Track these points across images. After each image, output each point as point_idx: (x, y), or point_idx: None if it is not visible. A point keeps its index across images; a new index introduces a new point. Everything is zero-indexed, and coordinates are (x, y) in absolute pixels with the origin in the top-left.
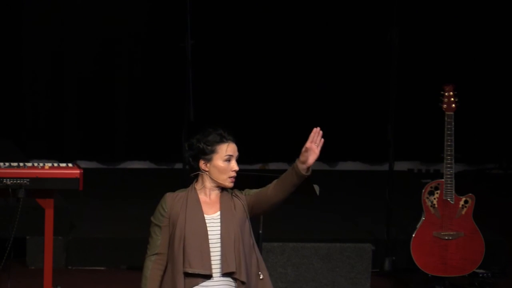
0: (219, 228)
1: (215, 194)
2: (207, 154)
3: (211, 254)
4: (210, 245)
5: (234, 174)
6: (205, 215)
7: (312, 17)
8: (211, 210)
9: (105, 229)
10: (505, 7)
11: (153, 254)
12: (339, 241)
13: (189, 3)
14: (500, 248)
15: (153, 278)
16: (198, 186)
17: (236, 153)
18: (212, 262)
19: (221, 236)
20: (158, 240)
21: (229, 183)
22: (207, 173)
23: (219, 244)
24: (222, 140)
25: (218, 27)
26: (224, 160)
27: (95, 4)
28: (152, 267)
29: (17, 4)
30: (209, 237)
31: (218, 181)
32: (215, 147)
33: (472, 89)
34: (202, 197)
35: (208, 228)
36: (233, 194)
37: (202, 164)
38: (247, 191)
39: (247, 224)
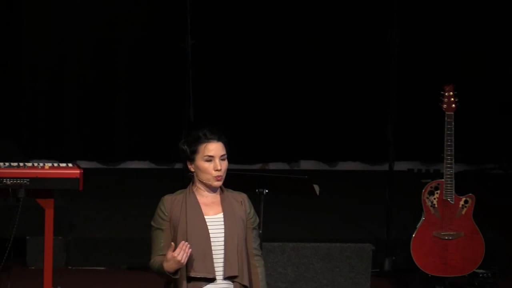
0: (221, 229)
1: (213, 195)
2: (190, 154)
3: (214, 256)
4: (212, 247)
5: (218, 173)
6: (205, 216)
7: (312, 17)
8: (211, 211)
9: (105, 229)
10: (505, 7)
11: (158, 255)
12: (339, 241)
13: (189, 3)
14: (500, 248)
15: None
16: (194, 187)
17: (219, 152)
18: (215, 265)
19: (225, 238)
20: (161, 243)
21: (214, 182)
22: (194, 174)
23: (221, 247)
24: (201, 140)
25: (218, 27)
26: (204, 160)
27: (95, 4)
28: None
29: (17, 3)
30: (211, 239)
31: (203, 181)
32: (196, 147)
33: (472, 89)
34: (200, 198)
35: (210, 230)
36: (237, 197)
37: (189, 165)
38: (254, 218)
39: (245, 232)
